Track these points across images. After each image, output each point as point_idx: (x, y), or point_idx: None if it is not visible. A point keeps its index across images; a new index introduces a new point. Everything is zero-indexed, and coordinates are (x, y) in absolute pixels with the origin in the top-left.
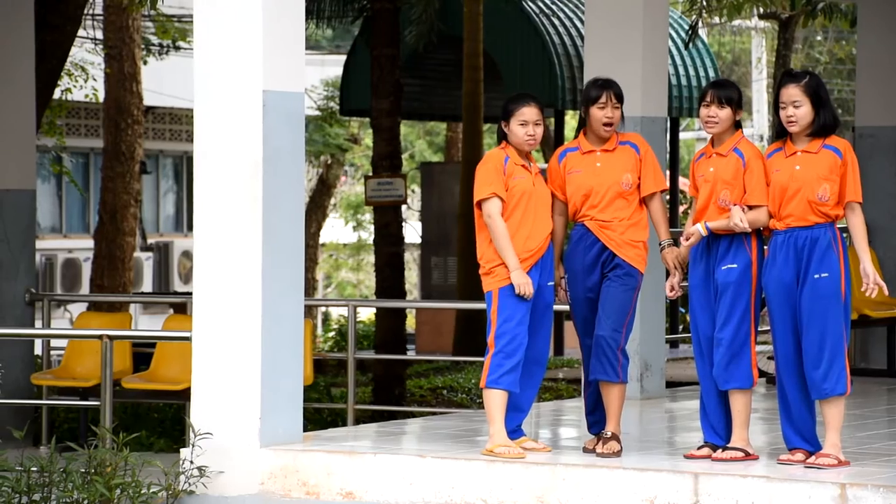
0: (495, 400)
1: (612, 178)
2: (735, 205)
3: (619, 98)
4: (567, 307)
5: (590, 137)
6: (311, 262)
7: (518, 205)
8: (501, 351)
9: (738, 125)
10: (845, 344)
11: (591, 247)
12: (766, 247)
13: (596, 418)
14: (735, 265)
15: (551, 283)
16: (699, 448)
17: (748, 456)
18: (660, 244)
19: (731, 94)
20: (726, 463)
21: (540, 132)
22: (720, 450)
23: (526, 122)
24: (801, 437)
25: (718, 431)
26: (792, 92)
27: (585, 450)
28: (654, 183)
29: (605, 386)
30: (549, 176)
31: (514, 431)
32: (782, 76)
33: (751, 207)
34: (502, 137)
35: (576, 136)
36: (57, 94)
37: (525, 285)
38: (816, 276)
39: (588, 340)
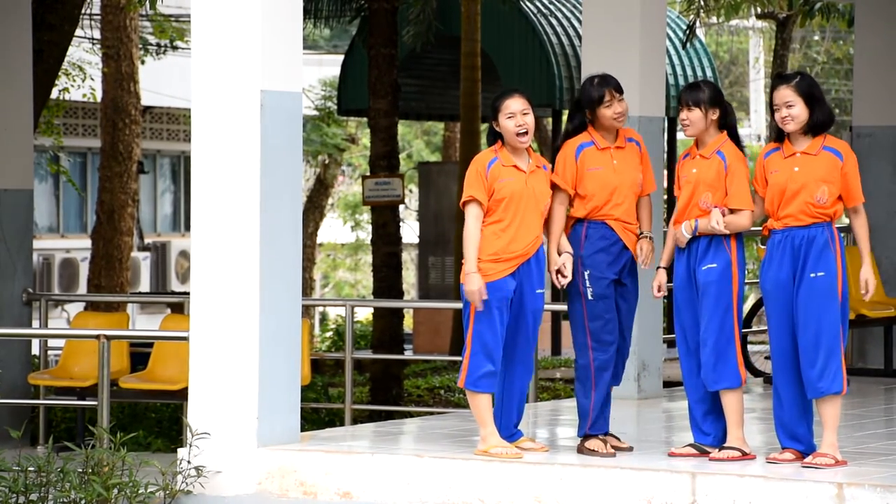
0: (481, 403)
1: (630, 177)
2: (716, 206)
3: (620, 90)
4: (564, 307)
5: (601, 132)
6: (308, 261)
7: (508, 207)
8: (480, 352)
9: (723, 126)
10: (842, 343)
11: (612, 246)
12: (763, 246)
13: (606, 416)
14: (715, 265)
15: (540, 291)
16: (684, 446)
17: (745, 455)
18: (641, 233)
19: (697, 95)
20: (723, 463)
21: (529, 121)
22: (717, 449)
23: (513, 114)
24: (792, 436)
25: (704, 429)
26: (784, 93)
27: (586, 450)
28: (653, 182)
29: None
30: (561, 167)
31: (512, 436)
32: (774, 79)
33: (732, 211)
34: (496, 137)
35: (573, 134)
36: (54, 93)
37: (474, 293)
38: (813, 275)
39: (608, 340)
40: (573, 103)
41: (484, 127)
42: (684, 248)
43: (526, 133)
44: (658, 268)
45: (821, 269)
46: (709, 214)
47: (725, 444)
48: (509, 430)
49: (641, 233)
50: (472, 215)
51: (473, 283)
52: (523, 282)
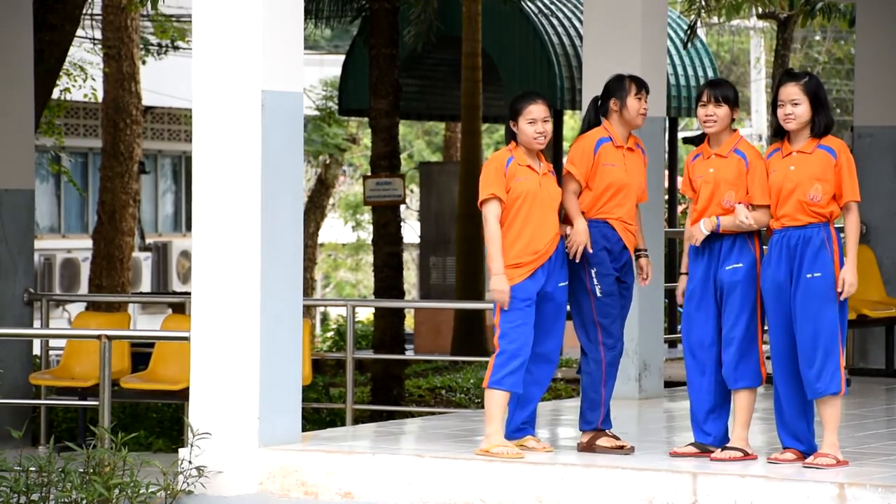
0: (496, 400)
1: (636, 180)
2: (740, 202)
3: (648, 93)
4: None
5: (618, 130)
6: (309, 261)
7: (522, 206)
8: (505, 351)
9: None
10: (841, 344)
11: (614, 245)
12: (765, 246)
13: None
14: (740, 264)
15: (563, 284)
16: (686, 445)
17: (747, 456)
18: (639, 252)
19: (727, 92)
20: (724, 463)
21: (549, 129)
22: (719, 449)
23: (534, 120)
24: (792, 436)
25: (706, 429)
26: (791, 90)
27: (602, 447)
28: (646, 192)
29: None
30: (578, 159)
31: (519, 430)
32: (782, 75)
33: (754, 207)
34: (511, 137)
35: (585, 130)
36: (56, 93)
37: (501, 293)
38: (809, 275)
39: (617, 335)
40: (593, 99)
41: (485, 127)
42: (703, 249)
43: (544, 139)
44: (681, 274)
45: (817, 270)
46: (731, 213)
47: (728, 444)
48: (516, 424)
49: (639, 250)
50: (493, 214)
51: (502, 283)
52: (546, 278)
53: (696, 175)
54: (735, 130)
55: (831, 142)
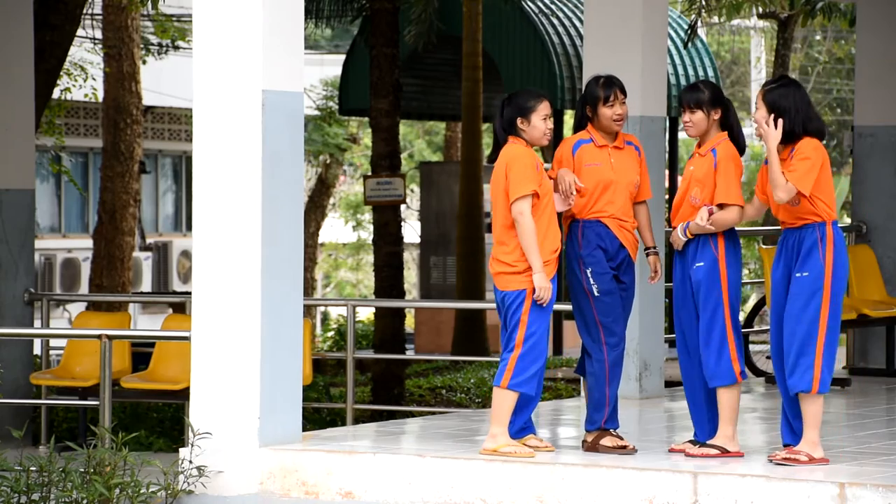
0: (508, 401)
1: (626, 176)
2: (705, 205)
3: (625, 93)
4: (566, 307)
5: (600, 132)
6: (310, 261)
7: (548, 204)
8: (529, 354)
9: (725, 125)
10: (821, 342)
11: (609, 244)
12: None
13: (616, 413)
14: (702, 263)
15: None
16: (684, 442)
17: (726, 453)
18: (648, 250)
19: (698, 96)
20: (724, 462)
21: (552, 126)
22: (697, 446)
23: (546, 117)
24: (792, 433)
25: (701, 427)
26: (758, 96)
27: (605, 447)
28: (649, 189)
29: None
30: (557, 163)
31: (522, 429)
32: None
33: (721, 207)
34: (508, 134)
35: (576, 131)
36: (56, 93)
37: (546, 290)
38: (798, 274)
39: (620, 334)
40: (579, 100)
41: (485, 126)
42: (678, 250)
43: (550, 138)
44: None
45: (806, 270)
46: (698, 210)
47: (709, 441)
48: (520, 424)
49: (647, 248)
50: (527, 209)
51: (543, 281)
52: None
53: (685, 174)
54: (723, 132)
55: (798, 143)
